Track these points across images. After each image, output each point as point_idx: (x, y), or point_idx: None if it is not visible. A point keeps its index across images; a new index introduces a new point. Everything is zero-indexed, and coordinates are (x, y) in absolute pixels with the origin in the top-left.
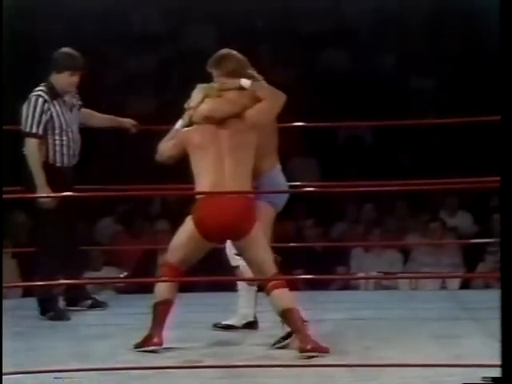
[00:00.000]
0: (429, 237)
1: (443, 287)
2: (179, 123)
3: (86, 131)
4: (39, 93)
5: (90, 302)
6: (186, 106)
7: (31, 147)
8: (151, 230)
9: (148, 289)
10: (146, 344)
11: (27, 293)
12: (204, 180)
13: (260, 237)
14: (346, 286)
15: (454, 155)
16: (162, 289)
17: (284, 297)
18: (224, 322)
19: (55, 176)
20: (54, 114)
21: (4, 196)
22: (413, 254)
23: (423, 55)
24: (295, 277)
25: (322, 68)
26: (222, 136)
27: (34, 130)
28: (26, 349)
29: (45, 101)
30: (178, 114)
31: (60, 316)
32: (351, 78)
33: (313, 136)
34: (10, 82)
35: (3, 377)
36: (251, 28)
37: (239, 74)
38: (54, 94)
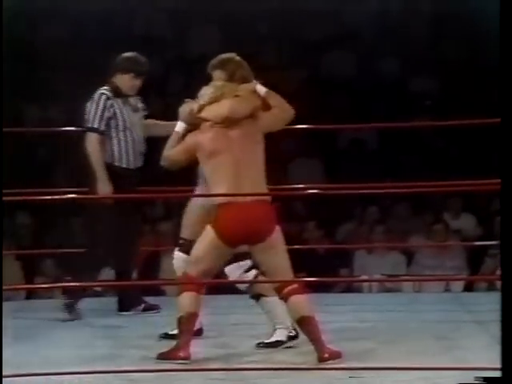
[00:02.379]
0: (432, 239)
1: (447, 289)
2: (179, 126)
3: None
4: (103, 91)
5: (142, 305)
6: (192, 104)
7: (92, 142)
8: (154, 232)
9: (151, 291)
10: (172, 357)
11: (30, 295)
12: (221, 187)
13: (280, 241)
14: (350, 289)
15: (457, 157)
16: (187, 302)
17: (302, 304)
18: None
19: (118, 178)
20: (118, 111)
21: (7, 198)
22: (416, 257)
23: (426, 59)
24: (298, 279)
25: (325, 71)
26: (234, 138)
27: (96, 125)
28: (28, 351)
29: (108, 98)
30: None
31: (74, 317)
32: (354, 82)
33: (316, 138)
34: (12, 86)
35: (3, 379)
36: (255, 32)
37: (243, 78)
38: (118, 93)
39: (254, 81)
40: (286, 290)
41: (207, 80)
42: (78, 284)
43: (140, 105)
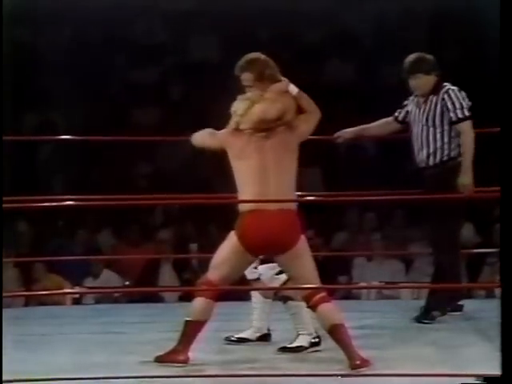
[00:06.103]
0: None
1: None
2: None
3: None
4: None
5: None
6: (233, 115)
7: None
8: (153, 239)
9: (148, 298)
10: (171, 359)
11: (30, 302)
12: (248, 190)
13: (305, 250)
14: (348, 296)
15: None
16: (200, 308)
17: (331, 312)
18: (237, 336)
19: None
20: (406, 109)
21: (7, 205)
22: (415, 264)
23: None
24: (297, 287)
25: (326, 77)
26: (267, 146)
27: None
28: (26, 358)
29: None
30: (180, 124)
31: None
32: (354, 88)
33: (315, 146)
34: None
35: None
36: (254, 38)
37: (272, 76)
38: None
39: (284, 79)
40: (314, 300)
41: (207, 89)
42: (74, 291)
43: (428, 104)
